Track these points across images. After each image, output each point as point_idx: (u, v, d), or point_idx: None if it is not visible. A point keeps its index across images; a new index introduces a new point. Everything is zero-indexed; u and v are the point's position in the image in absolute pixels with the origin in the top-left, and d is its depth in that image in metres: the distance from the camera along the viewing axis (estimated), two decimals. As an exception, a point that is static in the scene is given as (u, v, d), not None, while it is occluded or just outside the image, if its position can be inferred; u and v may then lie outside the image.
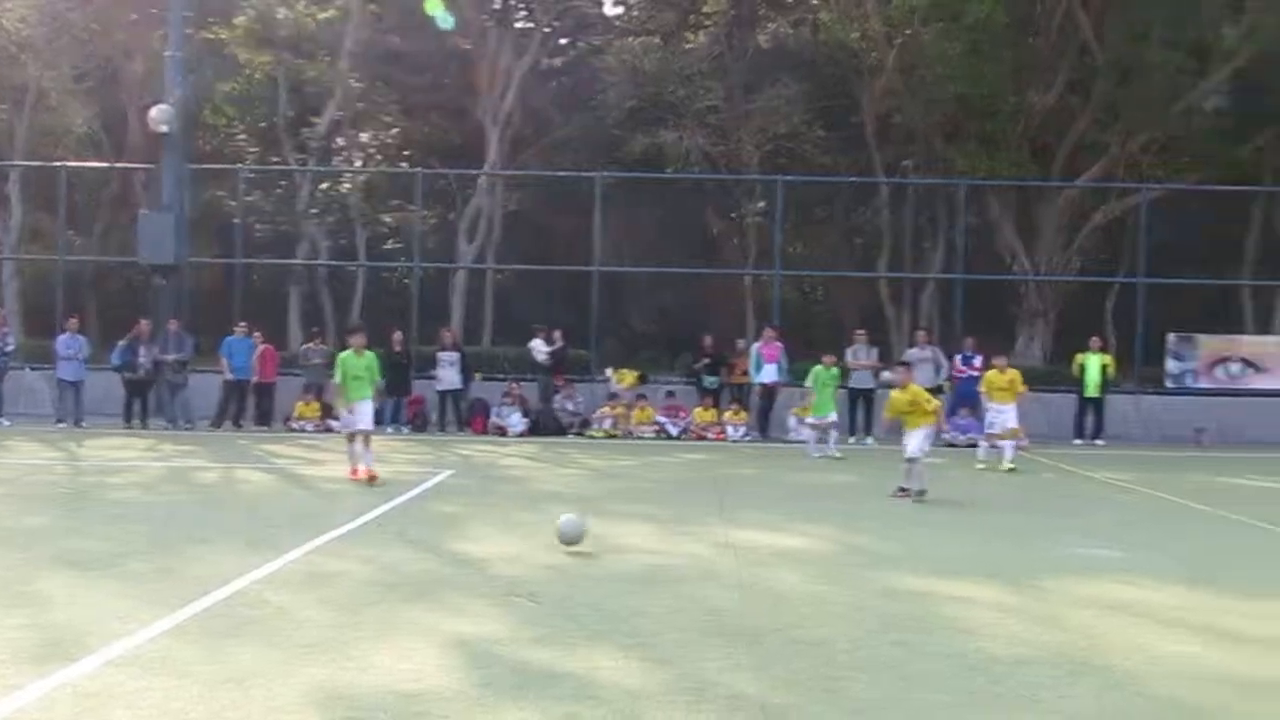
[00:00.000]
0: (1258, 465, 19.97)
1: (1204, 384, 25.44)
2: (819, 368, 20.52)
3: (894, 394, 15.79)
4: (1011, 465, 18.48)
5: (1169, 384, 25.60)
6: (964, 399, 23.33)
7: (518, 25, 32.92)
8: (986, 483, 17.64)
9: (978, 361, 23.74)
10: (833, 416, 20.32)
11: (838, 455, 19.98)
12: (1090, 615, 8.96)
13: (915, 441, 15.14)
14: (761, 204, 30.59)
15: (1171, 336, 25.63)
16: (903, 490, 15.10)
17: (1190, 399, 25.09)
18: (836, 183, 30.80)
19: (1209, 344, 25.72)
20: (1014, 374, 19.47)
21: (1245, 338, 27.32)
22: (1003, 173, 28.13)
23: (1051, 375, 25.51)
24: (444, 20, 28.74)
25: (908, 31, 28.64)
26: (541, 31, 32.80)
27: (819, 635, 8.12)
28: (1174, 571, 10.68)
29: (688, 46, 32.90)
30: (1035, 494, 16.53)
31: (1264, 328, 28.95)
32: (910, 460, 15.15)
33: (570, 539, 10.81)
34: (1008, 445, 18.69)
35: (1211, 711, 6.67)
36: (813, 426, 20.49)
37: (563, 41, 35.46)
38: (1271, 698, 6.93)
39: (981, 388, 19.63)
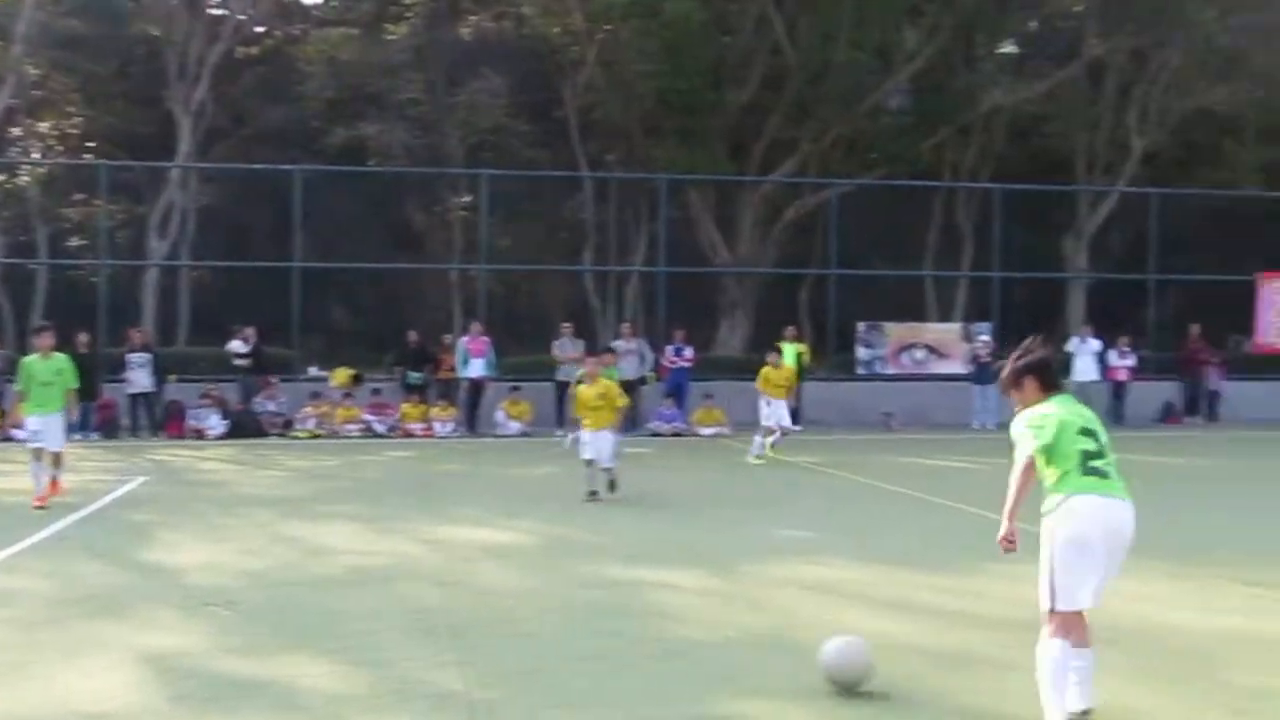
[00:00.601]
0: (941, 446, 21.10)
1: (892, 370, 26.69)
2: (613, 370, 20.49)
3: (582, 389, 14.72)
4: (759, 458, 18.67)
5: (860, 370, 26.77)
6: (674, 389, 23.83)
7: (210, 11, 31.72)
8: (687, 471, 18.05)
9: (688, 353, 24.30)
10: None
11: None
12: (787, 595, 9.27)
13: (607, 446, 14.28)
14: (467, 198, 30.45)
15: (861, 325, 26.79)
16: (593, 494, 14.22)
17: (879, 384, 26.30)
18: (541, 177, 30.94)
19: (895, 332, 27.01)
20: (788, 369, 19.77)
21: (928, 325, 28.84)
22: (702, 168, 28.84)
23: (750, 364, 26.30)
24: None
25: (608, 27, 29.03)
26: (236, 19, 31.72)
27: (526, 628, 8.13)
28: (863, 549, 11.17)
29: (388, 38, 32.41)
30: (735, 480, 16.99)
31: (945, 316, 30.64)
32: (606, 469, 14.34)
33: (849, 676, 6.89)
34: (758, 439, 18.95)
35: (898, 680, 6.98)
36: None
37: (259, 30, 34.38)
38: (956, 668, 7.30)
39: (758, 383, 19.53)
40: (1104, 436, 6.02)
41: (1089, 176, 31.99)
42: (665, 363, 24.31)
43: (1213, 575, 10.03)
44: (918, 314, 30.36)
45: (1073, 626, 5.90)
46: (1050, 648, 5.90)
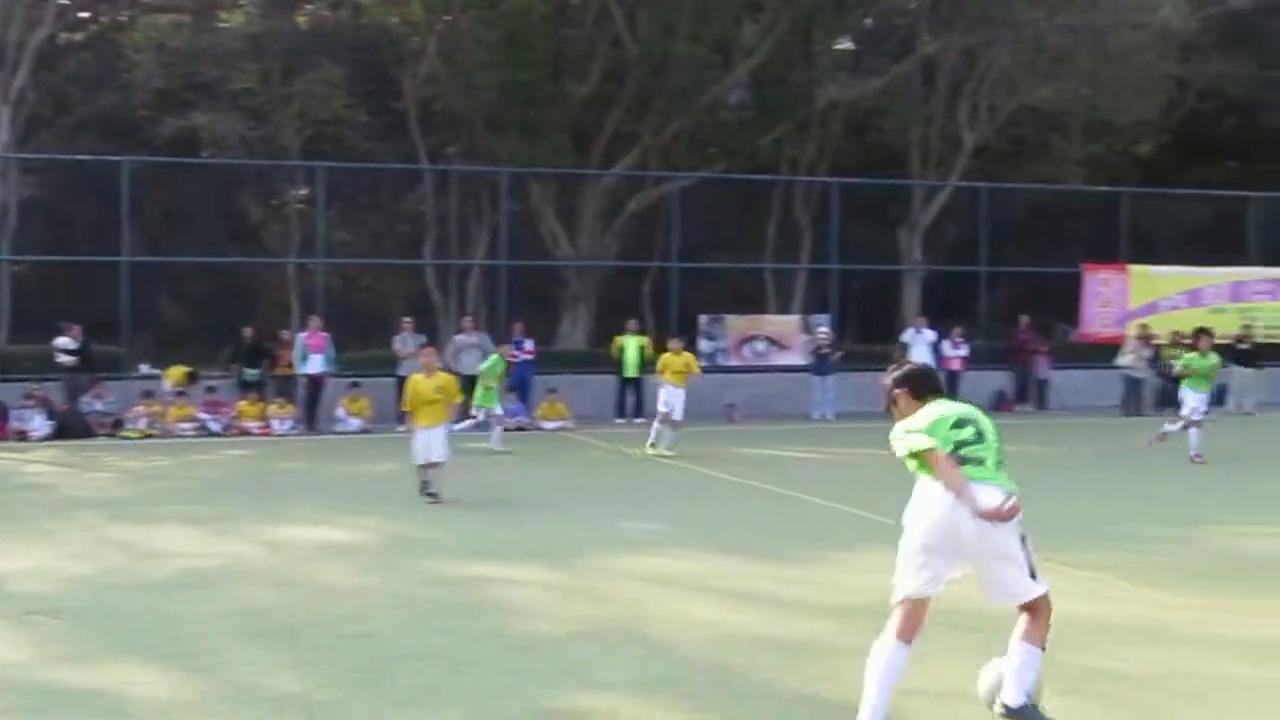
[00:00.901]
0: (782, 436, 21.38)
1: (734, 362, 26.95)
2: (495, 358, 20.15)
3: (418, 380, 13.88)
4: (656, 447, 18.60)
5: (702, 363, 26.92)
6: (517, 383, 23.71)
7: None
8: (531, 465, 17.97)
9: (528, 345, 24.18)
10: (498, 409, 19.81)
11: (501, 449, 19.40)
12: (632, 588, 9.29)
13: (439, 445, 13.63)
14: (304, 190, 29.84)
15: (703, 318, 26.98)
16: (431, 495, 13.61)
17: (722, 376, 26.49)
18: (380, 170, 30.49)
19: (737, 324, 27.26)
20: (689, 357, 19.71)
21: (768, 317, 29.17)
22: (544, 161, 28.71)
23: (593, 357, 26.38)
24: None
25: (447, 18, 28.72)
26: (58, 3, 30.55)
27: (366, 628, 7.99)
28: (706, 540, 11.24)
29: (221, 25, 31.55)
30: (581, 473, 16.98)
31: (785, 308, 31.03)
32: (436, 465, 13.67)
33: None
34: (655, 426, 18.78)
35: (740, 670, 7.05)
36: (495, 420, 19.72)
37: (83, 15, 33.16)
38: (798, 656, 7.39)
39: (659, 372, 19.41)
40: (985, 426, 6.00)
41: (923, 171, 32.70)
42: (507, 357, 24.13)
43: (1043, 559, 10.27)
44: (758, 306, 30.69)
45: (911, 616, 5.93)
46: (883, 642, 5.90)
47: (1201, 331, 18.34)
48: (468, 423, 19.46)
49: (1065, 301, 28.62)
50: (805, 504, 13.66)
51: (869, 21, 34.79)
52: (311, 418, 22.98)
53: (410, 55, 29.85)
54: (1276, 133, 36.10)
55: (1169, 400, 26.25)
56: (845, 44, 34.29)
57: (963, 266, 30.30)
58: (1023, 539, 5.96)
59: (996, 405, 26.98)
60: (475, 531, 11.83)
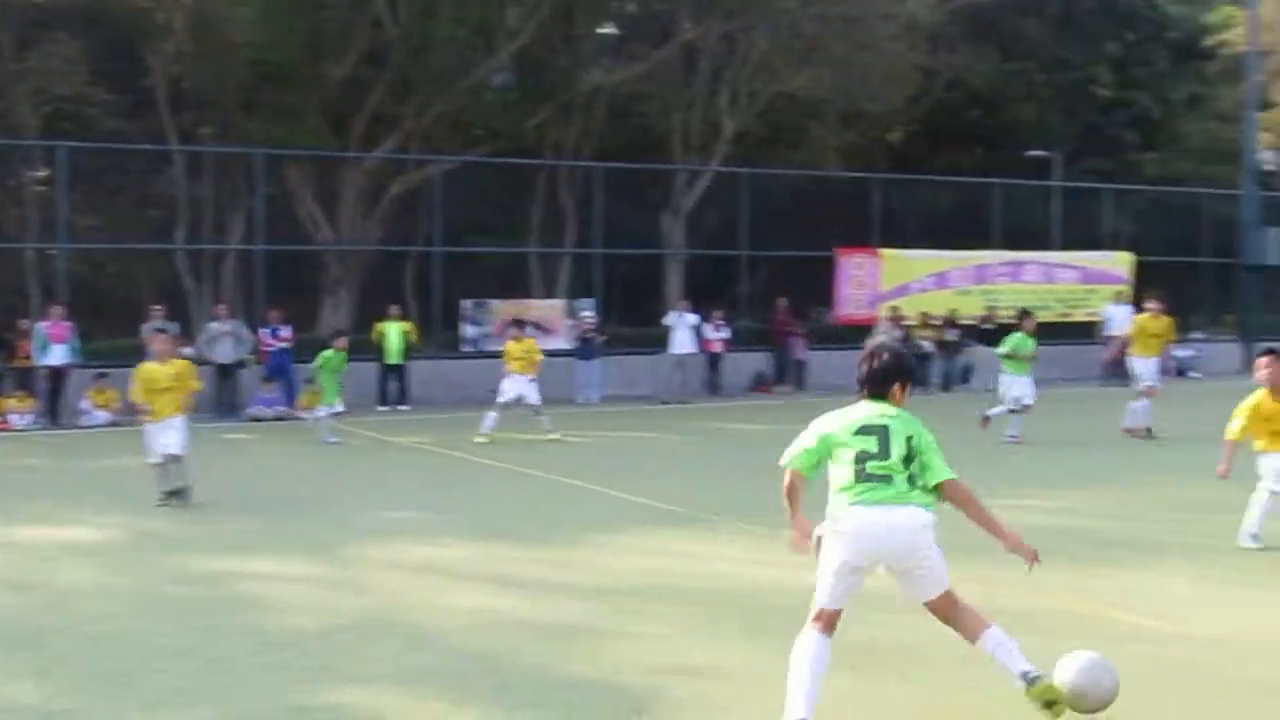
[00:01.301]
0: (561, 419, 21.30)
1: (499, 346, 26.73)
2: (330, 352, 19.08)
3: (152, 367, 12.79)
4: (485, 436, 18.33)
5: (466, 348, 26.75)
6: (275, 372, 23.06)
7: None
8: (290, 457, 17.54)
9: (285, 332, 23.52)
10: (339, 406, 18.85)
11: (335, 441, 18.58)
12: (393, 578, 9.15)
13: (178, 437, 12.51)
14: (43, 172, 28.36)
15: (467, 303, 26.76)
16: (170, 495, 12.53)
17: (486, 361, 26.32)
18: (126, 150, 29.17)
19: (501, 309, 27.10)
20: (529, 343, 19.42)
21: (533, 302, 29.13)
22: (301, 143, 27.97)
23: (355, 344, 25.80)
24: None
25: (196, -7, 27.68)
26: None
27: (112, 629, 7.65)
28: (469, 527, 11.15)
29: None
30: (341, 464, 16.63)
31: (550, 292, 31.05)
32: (172, 459, 12.58)
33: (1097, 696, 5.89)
34: (490, 415, 18.59)
35: (503, 655, 7.01)
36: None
37: None
38: (556, 639, 7.39)
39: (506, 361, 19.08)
40: (895, 437, 5.69)
41: (685, 156, 33.14)
42: (263, 345, 23.49)
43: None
44: (523, 291, 30.62)
45: (830, 619, 5.77)
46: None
47: (1025, 313, 18.65)
48: (323, 411, 18.73)
49: (821, 284, 29.44)
50: (569, 487, 13.70)
51: (631, 6, 35.06)
52: (54, 411, 21.86)
53: (157, 31, 28.63)
54: (1018, 123, 37.98)
55: (918, 379, 27.38)
56: (608, 29, 34.45)
57: (724, 250, 30.85)
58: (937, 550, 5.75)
59: (756, 386, 27.65)
60: (230, 526, 11.44)
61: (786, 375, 28.09)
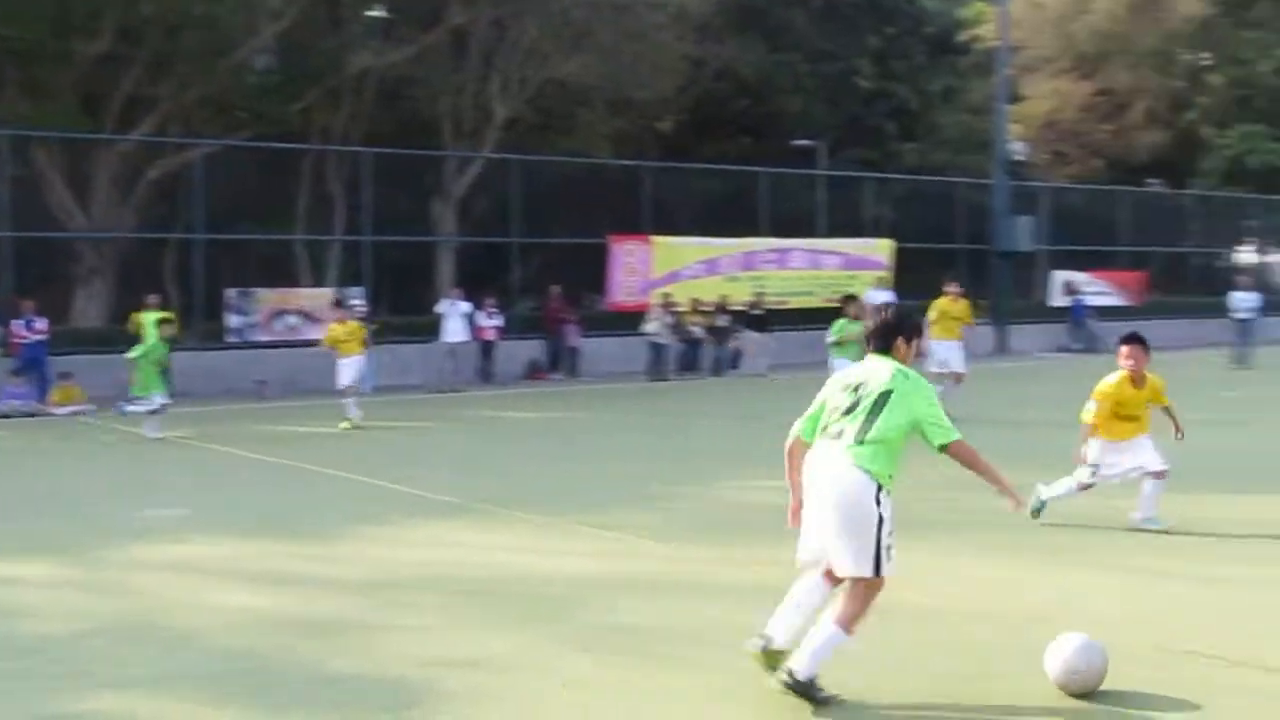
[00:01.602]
0: (314, 412, 20.77)
1: (265, 337, 26.08)
2: (153, 342, 17.89)
3: None
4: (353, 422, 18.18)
5: (231, 338, 25.94)
6: (28, 365, 21.95)
7: None
8: (43, 455, 16.75)
9: (40, 325, 22.39)
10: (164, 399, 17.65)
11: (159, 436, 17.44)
12: (153, 578, 8.81)
13: None
14: None
15: (231, 292, 25.95)
16: None
17: (253, 352, 25.63)
18: None
19: (267, 298, 26.38)
20: (352, 325, 19.26)
21: (302, 290, 28.42)
22: (50, 123, 26.64)
23: (111, 335, 24.73)
24: None
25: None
26: None
27: None
28: (235, 523, 10.81)
29: None
30: (97, 461, 15.94)
31: (318, 280, 30.35)
32: None
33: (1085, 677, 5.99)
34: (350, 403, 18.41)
35: (266, 654, 6.83)
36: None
37: None
38: (326, 635, 7.21)
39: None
40: (866, 398, 5.85)
41: (456, 142, 32.84)
42: (15, 338, 22.32)
43: (572, 522, 10.62)
44: (290, 279, 29.85)
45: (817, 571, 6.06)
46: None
47: (850, 298, 18.78)
48: (141, 405, 17.69)
49: (594, 271, 29.59)
50: (336, 480, 13.42)
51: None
52: None
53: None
54: (784, 113, 38.92)
55: (689, 364, 27.85)
56: (376, 11, 33.83)
57: (495, 237, 30.73)
58: (881, 521, 5.73)
59: (529, 374, 27.62)
60: (-26, 527, 10.83)
61: (560, 363, 28.15)
